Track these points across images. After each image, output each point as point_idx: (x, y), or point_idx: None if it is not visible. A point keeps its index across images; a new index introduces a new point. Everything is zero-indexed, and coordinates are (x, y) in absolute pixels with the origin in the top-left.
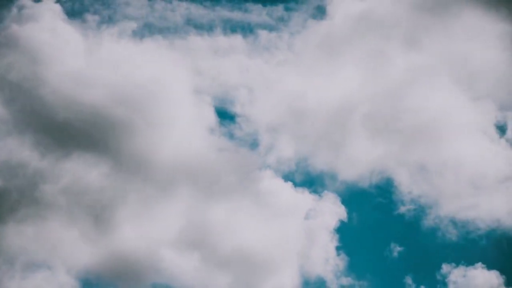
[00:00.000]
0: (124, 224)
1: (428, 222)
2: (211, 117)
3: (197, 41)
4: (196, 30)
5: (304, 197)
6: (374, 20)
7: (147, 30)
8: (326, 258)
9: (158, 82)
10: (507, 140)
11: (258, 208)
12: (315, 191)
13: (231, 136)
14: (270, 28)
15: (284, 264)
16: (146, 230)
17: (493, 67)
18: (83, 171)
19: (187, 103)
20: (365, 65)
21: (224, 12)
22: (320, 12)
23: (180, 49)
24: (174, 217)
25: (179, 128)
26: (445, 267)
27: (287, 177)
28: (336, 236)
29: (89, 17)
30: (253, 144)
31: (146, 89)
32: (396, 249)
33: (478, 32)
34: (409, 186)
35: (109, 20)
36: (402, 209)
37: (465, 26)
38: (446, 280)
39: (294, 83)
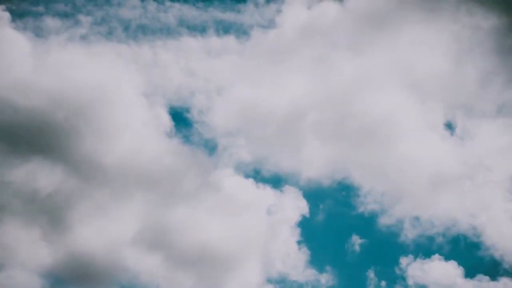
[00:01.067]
0: (83, 226)
1: (386, 220)
2: (167, 121)
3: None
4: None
5: (266, 193)
6: (320, 29)
7: (139, 30)
8: (288, 252)
9: (110, 88)
10: (459, 138)
11: (219, 207)
12: (276, 187)
13: (188, 139)
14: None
15: (248, 260)
16: (106, 232)
17: (437, 71)
18: (37, 175)
19: (141, 108)
20: (316, 71)
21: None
22: (269, 21)
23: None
24: (134, 218)
25: (134, 132)
26: (403, 261)
27: (248, 175)
28: (298, 230)
29: (40, 23)
30: (212, 146)
31: (97, 94)
32: (357, 244)
33: (421, 40)
34: (367, 185)
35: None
36: (361, 207)
37: (408, 35)
38: (405, 275)
39: (248, 89)
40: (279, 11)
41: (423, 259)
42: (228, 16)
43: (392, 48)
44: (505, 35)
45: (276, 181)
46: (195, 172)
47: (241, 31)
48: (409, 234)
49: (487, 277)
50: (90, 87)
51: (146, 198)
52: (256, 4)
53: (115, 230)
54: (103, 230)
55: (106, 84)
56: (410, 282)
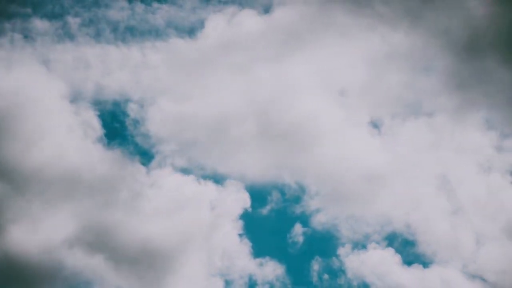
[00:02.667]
0: (16, 229)
1: (323, 217)
2: (98, 128)
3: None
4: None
5: (207, 189)
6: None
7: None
8: (232, 245)
9: (33, 94)
10: (386, 138)
11: (160, 205)
12: (218, 182)
13: (121, 144)
14: None
15: (191, 255)
16: (41, 235)
17: (358, 80)
18: None
19: (71, 114)
20: (246, 80)
21: None
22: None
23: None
24: (71, 221)
25: (62, 138)
26: (342, 254)
27: (187, 173)
28: (241, 224)
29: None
30: (146, 151)
31: (18, 100)
32: (299, 239)
33: (341, 53)
34: (304, 185)
35: None
36: (301, 205)
37: (329, 48)
38: (344, 267)
39: (179, 98)
40: (201, 22)
41: (360, 249)
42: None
43: (313, 60)
44: (419, 53)
45: (218, 177)
46: (132, 173)
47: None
48: (346, 231)
49: (420, 265)
50: (9, 93)
51: (83, 201)
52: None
53: (51, 233)
54: (38, 233)
55: (28, 91)
56: (349, 273)
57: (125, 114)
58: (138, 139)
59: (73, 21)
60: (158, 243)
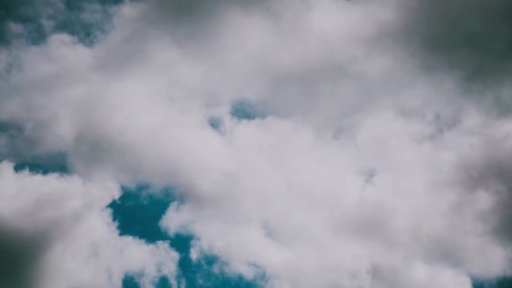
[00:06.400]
0: None
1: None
2: None
3: None
4: None
5: (72, 185)
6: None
7: None
8: (104, 234)
9: None
10: (230, 140)
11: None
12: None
13: None
14: None
15: (62, 249)
16: None
17: (194, 84)
18: None
19: None
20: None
21: None
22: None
23: None
24: None
25: None
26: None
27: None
28: (110, 211)
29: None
30: None
31: None
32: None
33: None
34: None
35: None
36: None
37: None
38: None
39: None
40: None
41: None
42: None
43: (147, 74)
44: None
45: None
46: None
47: None
48: (205, 228)
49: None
50: None
51: None
52: None
53: None
54: None
55: None
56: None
57: None
58: None
59: (47, 24)
60: (22, 244)
